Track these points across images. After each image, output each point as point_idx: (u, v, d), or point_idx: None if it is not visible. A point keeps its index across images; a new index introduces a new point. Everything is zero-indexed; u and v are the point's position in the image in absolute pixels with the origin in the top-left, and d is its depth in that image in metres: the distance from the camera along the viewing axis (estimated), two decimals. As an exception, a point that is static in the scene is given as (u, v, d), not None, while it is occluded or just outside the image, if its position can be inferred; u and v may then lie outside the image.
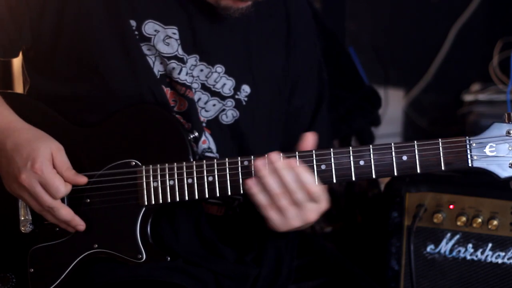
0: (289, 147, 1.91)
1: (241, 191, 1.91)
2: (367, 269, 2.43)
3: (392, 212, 2.59)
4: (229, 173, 1.91)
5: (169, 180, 1.95)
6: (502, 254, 2.49)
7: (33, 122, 2.02)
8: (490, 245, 2.50)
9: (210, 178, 1.92)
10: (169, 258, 1.98)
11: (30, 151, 1.94)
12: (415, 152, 1.83)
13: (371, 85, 3.35)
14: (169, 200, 1.94)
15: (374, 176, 1.84)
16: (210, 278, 2.04)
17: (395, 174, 1.84)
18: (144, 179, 1.96)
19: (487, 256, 2.50)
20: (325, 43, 3.08)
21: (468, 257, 2.52)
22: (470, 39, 3.65)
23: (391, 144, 1.84)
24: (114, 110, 2.01)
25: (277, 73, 2.15)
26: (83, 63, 2.02)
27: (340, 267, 2.20)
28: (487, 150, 1.81)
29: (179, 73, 2.04)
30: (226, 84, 2.08)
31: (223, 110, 2.09)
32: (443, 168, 1.82)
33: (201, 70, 2.07)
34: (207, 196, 1.92)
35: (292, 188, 1.86)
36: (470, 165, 1.82)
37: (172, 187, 1.94)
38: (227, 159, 1.92)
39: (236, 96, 2.09)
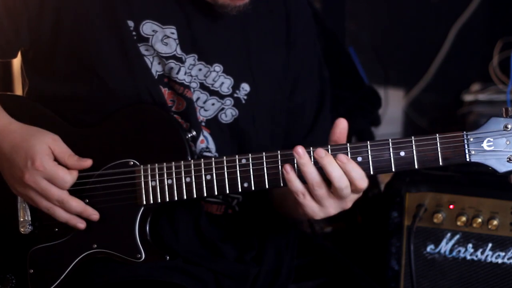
0: (290, 145, 1.90)
1: (239, 190, 1.90)
2: (367, 269, 2.43)
3: (392, 212, 2.59)
4: (227, 172, 1.91)
5: (167, 179, 1.94)
6: (502, 254, 2.49)
7: (32, 123, 2.02)
8: (490, 245, 2.50)
9: (208, 177, 1.91)
10: (168, 257, 1.97)
11: (27, 149, 1.94)
12: (412, 147, 1.81)
13: (371, 85, 3.35)
14: (167, 199, 1.94)
15: (372, 173, 1.82)
16: (210, 278, 2.04)
17: (393, 170, 1.82)
18: (142, 179, 1.95)
19: (487, 256, 2.50)
20: (325, 43, 3.09)
21: (468, 257, 2.52)
22: (470, 39, 3.64)
23: (388, 140, 1.83)
24: (113, 110, 2.01)
25: (277, 71, 2.14)
26: (82, 63, 2.02)
27: (340, 267, 2.20)
28: (484, 144, 1.79)
29: (177, 73, 2.03)
30: (225, 83, 2.08)
31: (222, 109, 2.09)
32: (441, 163, 1.80)
33: (200, 69, 2.07)
34: (205, 194, 1.92)
35: (339, 185, 1.80)
36: (468, 160, 1.80)
37: (170, 186, 1.94)
38: (225, 157, 1.91)
39: (235, 95, 2.09)
